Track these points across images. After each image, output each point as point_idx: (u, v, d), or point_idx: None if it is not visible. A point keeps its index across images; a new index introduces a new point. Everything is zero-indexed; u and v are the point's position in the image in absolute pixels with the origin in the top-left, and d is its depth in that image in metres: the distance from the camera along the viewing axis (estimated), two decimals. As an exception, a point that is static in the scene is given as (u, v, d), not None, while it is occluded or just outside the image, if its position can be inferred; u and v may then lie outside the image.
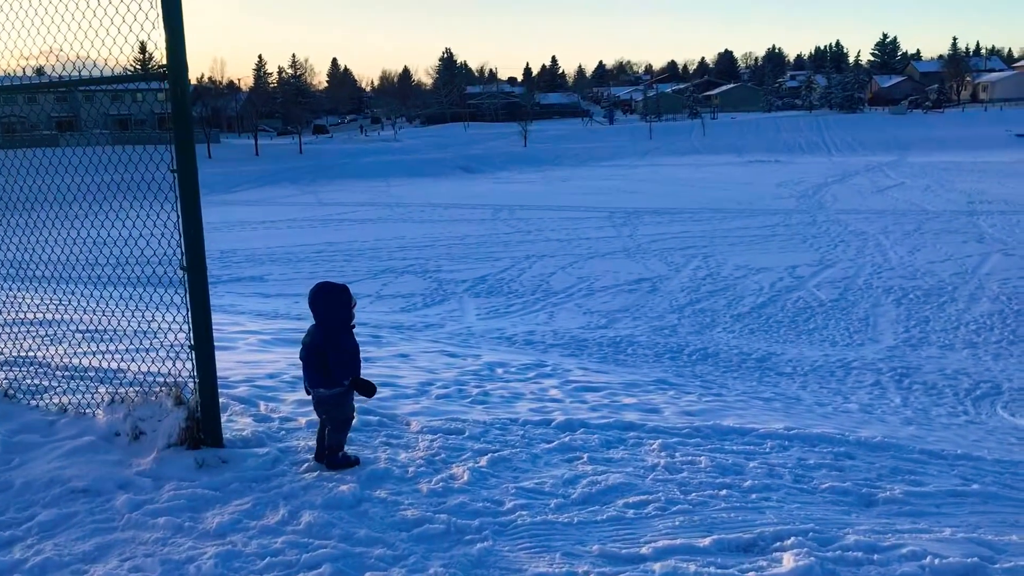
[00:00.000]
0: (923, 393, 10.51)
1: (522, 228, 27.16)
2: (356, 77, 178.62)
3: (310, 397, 4.73)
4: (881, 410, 9.07)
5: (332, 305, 4.56)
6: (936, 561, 3.39)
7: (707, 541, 3.74)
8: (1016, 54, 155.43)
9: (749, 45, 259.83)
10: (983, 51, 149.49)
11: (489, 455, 4.85)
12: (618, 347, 12.73)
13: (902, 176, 41.81)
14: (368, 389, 4.59)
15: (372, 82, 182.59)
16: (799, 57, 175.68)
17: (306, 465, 4.67)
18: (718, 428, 5.60)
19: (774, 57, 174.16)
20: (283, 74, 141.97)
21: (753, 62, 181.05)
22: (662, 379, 8.75)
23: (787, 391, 9.86)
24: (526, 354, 10.83)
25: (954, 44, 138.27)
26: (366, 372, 4.72)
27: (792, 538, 3.67)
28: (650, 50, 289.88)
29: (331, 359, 4.49)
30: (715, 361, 11.99)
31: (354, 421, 4.83)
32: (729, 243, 22.69)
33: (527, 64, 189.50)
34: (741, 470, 4.70)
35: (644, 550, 3.68)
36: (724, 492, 4.30)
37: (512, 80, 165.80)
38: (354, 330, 4.63)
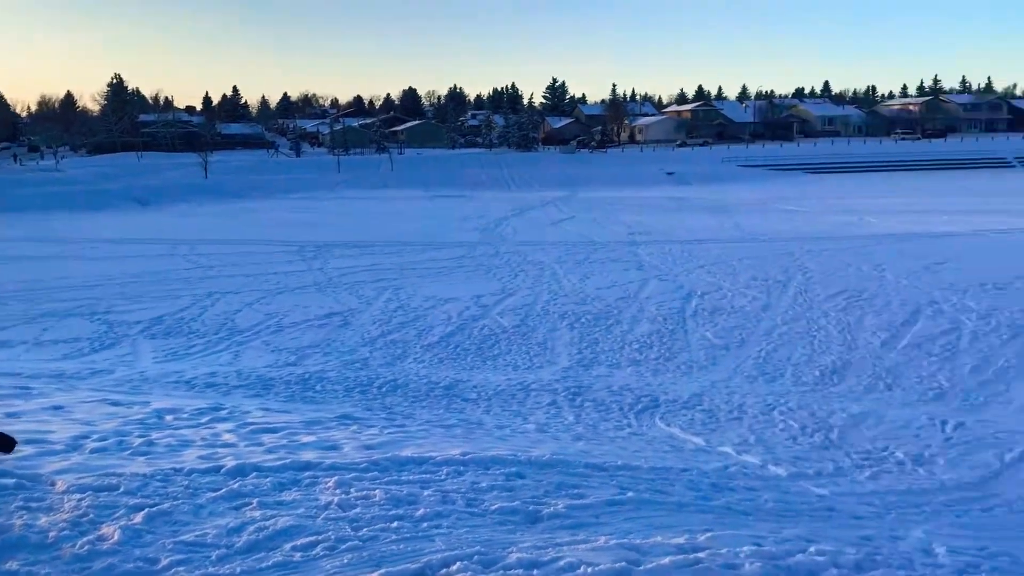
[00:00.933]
0: (593, 409, 11.30)
1: (204, 264, 25.78)
2: (9, 101, 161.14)
3: None
4: (555, 428, 9.62)
5: None
6: (589, 570, 3.59)
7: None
8: (664, 101, 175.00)
9: (432, 84, 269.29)
10: (638, 97, 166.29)
11: (146, 510, 4.45)
12: (307, 384, 12.43)
13: (573, 210, 45.14)
14: (7, 444, 4.06)
15: (29, 107, 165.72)
16: (479, 97, 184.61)
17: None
18: (396, 459, 5.59)
19: (456, 96, 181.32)
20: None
21: (436, 100, 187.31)
22: (347, 414, 8.63)
23: (471, 416, 10.16)
24: (204, 398, 10.21)
25: (614, 90, 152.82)
26: (8, 428, 4.17)
27: (458, 563, 3.72)
28: (336, 84, 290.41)
29: None
30: (404, 392, 12.08)
31: None
32: (418, 275, 23.10)
33: (207, 93, 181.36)
34: (415, 500, 4.71)
35: (309, 594, 3.54)
36: (396, 524, 4.29)
37: (191, 109, 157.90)
38: None
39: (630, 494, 5.13)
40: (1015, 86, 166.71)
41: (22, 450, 5.73)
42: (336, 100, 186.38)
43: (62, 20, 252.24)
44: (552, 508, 4.67)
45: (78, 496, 4.67)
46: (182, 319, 17.56)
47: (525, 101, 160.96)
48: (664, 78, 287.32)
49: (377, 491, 4.82)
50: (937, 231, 30.36)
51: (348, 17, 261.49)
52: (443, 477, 5.25)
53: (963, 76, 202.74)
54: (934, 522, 6.84)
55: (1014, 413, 11.44)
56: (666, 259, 25.05)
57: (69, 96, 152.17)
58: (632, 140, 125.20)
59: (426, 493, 4.84)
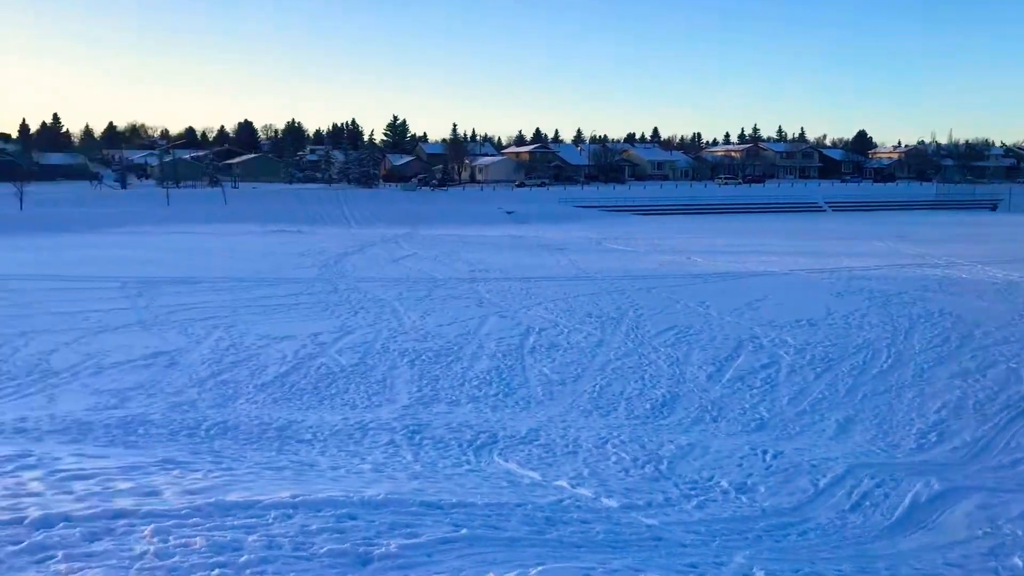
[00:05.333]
0: (432, 447, 11.24)
1: (16, 301, 23.99)
2: None
3: None
4: (392, 468, 9.49)
5: None
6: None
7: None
8: (504, 142, 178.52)
9: (269, 117, 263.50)
10: (478, 137, 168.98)
11: (-68, 571, 4.06)
12: (128, 428, 11.76)
13: (414, 247, 45.14)
14: None
15: None
16: (318, 132, 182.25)
17: None
18: (221, 504, 5.35)
19: (294, 130, 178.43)
20: None
21: (274, 134, 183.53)
22: (169, 458, 8.19)
23: (305, 458, 9.88)
24: (11, 444, 9.45)
25: (454, 130, 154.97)
26: None
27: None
28: (167, 115, 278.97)
29: None
30: (235, 434, 11.63)
31: None
32: (252, 312, 22.38)
33: (23, 120, 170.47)
34: (240, 546, 4.51)
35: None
36: (217, 572, 4.10)
37: (5, 136, 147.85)
38: None
39: (464, 531, 5.11)
40: (824, 136, 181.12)
41: None
42: (167, 131, 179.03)
43: None
44: (384, 548, 4.59)
45: None
46: (-9, 361, 16.26)
47: (366, 137, 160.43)
48: (503, 119, 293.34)
49: (198, 538, 4.58)
50: (757, 270, 32.29)
51: (181, 47, 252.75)
52: (270, 521, 5.05)
53: (779, 126, 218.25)
54: (755, 547, 7.18)
55: (827, 441, 12.23)
56: (506, 296, 25.40)
57: None
58: (473, 179, 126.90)
59: (251, 539, 4.64)
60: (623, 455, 11.05)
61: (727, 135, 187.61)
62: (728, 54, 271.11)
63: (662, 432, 12.35)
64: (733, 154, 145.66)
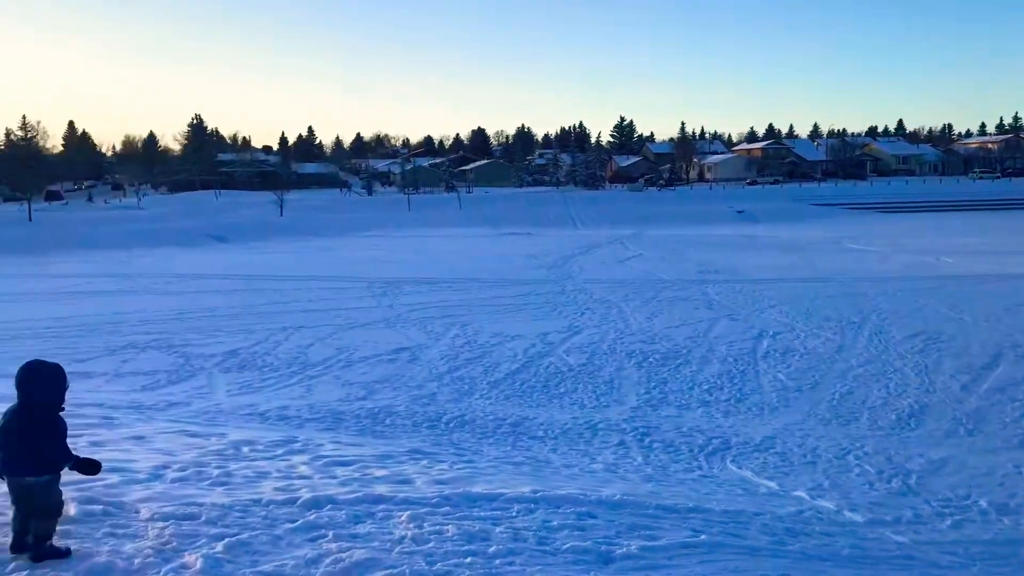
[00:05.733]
0: (662, 451, 11.16)
1: (278, 299, 26.34)
2: (96, 142, 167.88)
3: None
4: (624, 469, 9.52)
5: (47, 385, 4.19)
6: (666, 611, 3.56)
7: (449, 612, 3.71)
8: (735, 139, 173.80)
9: (501, 123, 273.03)
10: (707, 135, 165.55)
11: (226, 540, 4.56)
12: (376, 418, 12.54)
13: (640, 248, 44.98)
14: (94, 467, 4.24)
15: (114, 147, 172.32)
16: (547, 136, 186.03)
17: (13, 564, 4.16)
18: (467, 495, 5.62)
19: (524, 136, 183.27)
20: (11, 136, 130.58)
21: (505, 140, 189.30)
22: (416, 449, 8.70)
23: (538, 454, 10.12)
24: (278, 430, 10.40)
25: (683, 129, 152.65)
26: (94, 456, 4.34)
27: (532, 600, 3.72)
28: (407, 125, 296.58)
29: (46, 444, 4.10)
30: (471, 428, 12.10)
31: (74, 511, 4.40)
32: (485, 312, 23.21)
33: (283, 133, 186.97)
34: (488, 536, 4.73)
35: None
36: (469, 560, 4.31)
37: (267, 149, 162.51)
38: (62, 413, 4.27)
39: (703, 537, 5.07)
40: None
41: (107, 478, 5.94)
42: (407, 140, 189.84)
43: (146, 62, 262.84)
44: (624, 549, 4.64)
45: (161, 524, 4.81)
46: (256, 353, 17.92)
47: (593, 140, 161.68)
48: (734, 116, 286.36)
49: (450, 526, 4.86)
50: (1018, 272, 29.41)
51: (420, 60, 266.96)
52: (514, 514, 5.25)
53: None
54: (1021, 574, 6.58)
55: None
56: (736, 298, 24.73)
57: (151, 136, 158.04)
58: (701, 178, 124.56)
59: (498, 530, 4.85)
60: (867, 467, 10.46)
61: (982, 126, 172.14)
62: (990, 38, 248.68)
63: (910, 445, 11.56)
64: (990, 146, 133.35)
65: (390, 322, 21.90)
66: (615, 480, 7.98)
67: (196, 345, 18.69)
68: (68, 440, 4.32)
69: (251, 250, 49.72)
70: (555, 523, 5.09)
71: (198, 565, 4.20)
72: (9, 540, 4.33)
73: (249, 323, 21.65)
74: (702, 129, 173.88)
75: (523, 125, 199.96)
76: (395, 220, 76.58)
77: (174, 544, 4.52)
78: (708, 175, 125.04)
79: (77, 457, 4.26)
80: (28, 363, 4.29)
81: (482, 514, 5.21)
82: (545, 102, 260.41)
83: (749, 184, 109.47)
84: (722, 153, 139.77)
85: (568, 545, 4.66)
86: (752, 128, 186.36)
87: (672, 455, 10.92)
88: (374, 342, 19.07)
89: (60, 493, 4.30)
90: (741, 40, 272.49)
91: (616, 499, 5.85)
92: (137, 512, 5.06)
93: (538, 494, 5.70)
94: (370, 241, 54.64)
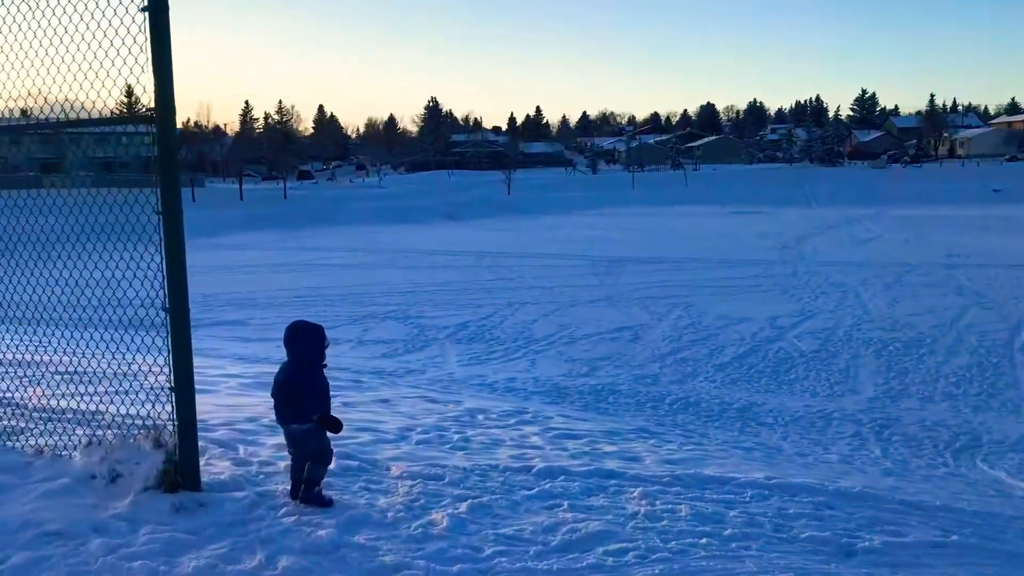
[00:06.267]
0: (903, 444, 10.53)
1: (505, 275, 27.21)
2: (342, 124, 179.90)
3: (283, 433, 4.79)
4: (861, 461, 9.09)
5: (306, 342, 4.66)
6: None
7: (687, 590, 3.74)
8: (992, 111, 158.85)
9: (731, 98, 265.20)
10: (960, 108, 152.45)
11: (468, 501, 4.83)
12: (599, 395, 12.70)
13: (881, 229, 42.33)
14: (334, 425, 4.64)
15: (358, 129, 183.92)
16: (780, 111, 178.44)
17: (284, 509, 4.63)
18: (699, 477, 5.60)
19: (755, 110, 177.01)
20: (269, 120, 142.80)
21: (735, 115, 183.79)
22: (643, 427, 8.75)
23: (768, 441, 9.87)
24: (507, 401, 10.80)
25: (932, 101, 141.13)
26: (346, 417, 4.76)
27: (771, 587, 3.67)
28: (633, 101, 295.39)
29: (303, 394, 4.55)
30: (696, 411, 11.98)
31: (332, 462, 4.83)
32: (711, 292, 22.80)
33: (511, 114, 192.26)
34: (721, 519, 4.70)
35: (623, 599, 3.68)
36: (704, 540, 4.30)
37: (496, 129, 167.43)
38: (326, 370, 4.69)
39: (954, 537, 4.76)
40: None
41: (360, 436, 6.45)
42: (633, 117, 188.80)
43: (388, 47, 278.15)
44: (867, 543, 4.45)
45: (410, 482, 5.16)
46: (484, 326, 18.64)
47: (831, 114, 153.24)
48: (991, 86, 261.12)
49: (683, 506, 4.87)
50: None
51: (647, 35, 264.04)
52: (748, 499, 5.18)
53: None
54: None
55: None
56: (991, 285, 22.74)
57: (392, 119, 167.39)
58: (951, 154, 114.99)
59: (732, 514, 4.81)
60: None
61: None
62: None
63: None
64: None
65: (612, 301, 22.01)
66: (852, 472, 7.64)
67: (430, 317, 19.73)
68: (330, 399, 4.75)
69: (480, 228, 51.55)
70: (791, 511, 4.97)
71: (444, 523, 4.48)
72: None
73: (478, 298, 22.54)
74: (953, 101, 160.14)
75: (754, 99, 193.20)
76: (619, 198, 76.57)
77: (422, 502, 4.85)
78: (960, 151, 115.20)
79: (324, 413, 4.64)
80: (293, 322, 4.78)
81: (715, 496, 5.19)
82: (779, 75, 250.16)
83: (1008, 160, 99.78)
84: (977, 127, 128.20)
85: (806, 534, 4.54)
86: (1013, 99, 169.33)
87: (914, 450, 10.27)
88: (596, 320, 19.26)
89: (326, 443, 4.73)
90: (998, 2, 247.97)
91: (856, 491, 5.61)
92: (388, 470, 5.46)
93: (772, 481, 5.58)
94: (594, 219, 55.02)
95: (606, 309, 20.79)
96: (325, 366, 4.73)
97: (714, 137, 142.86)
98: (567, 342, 17.13)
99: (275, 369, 4.87)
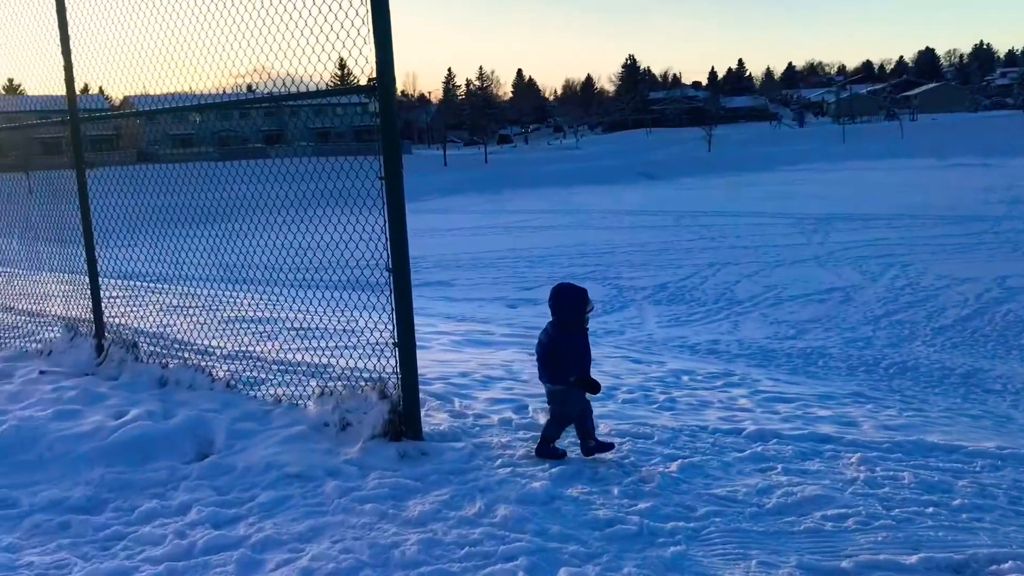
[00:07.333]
0: None
1: (705, 235, 26.68)
2: (540, 87, 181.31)
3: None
4: (1108, 434, 8.28)
5: (568, 305, 4.76)
6: None
7: (914, 559, 3.59)
8: None
9: (953, 41, 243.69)
10: None
11: (679, 461, 4.84)
12: (808, 359, 12.25)
13: None
14: (593, 387, 4.76)
15: (555, 91, 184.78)
16: (1011, 52, 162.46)
17: (500, 460, 4.83)
18: (922, 444, 5.31)
19: (982, 53, 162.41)
20: (470, 86, 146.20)
21: (958, 60, 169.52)
22: (858, 392, 8.37)
23: (996, 409, 9.18)
24: (711, 363, 10.63)
25: None
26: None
27: (1010, 562, 3.45)
28: (843, 50, 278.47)
29: (561, 355, 4.70)
30: (914, 376, 11.31)
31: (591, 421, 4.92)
32: (930, 251, 21.36)
33: (712, 67, 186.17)
34: (949, 488, 4.45)
35: (845, 564, 3.58)
36: (931, 510, 4.10)
37: (696, 84, 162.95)
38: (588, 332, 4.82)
39: None
40: None
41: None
42: (843, 67, 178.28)
43: (583, 7, 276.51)
44: (1118, 524, 4.09)
45: (619, 440, 5.23)
46: (684, 287, 18.40)
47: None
48: None
49: (905, 473, 4.65)
50: None
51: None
52: (978, 469, 4.87)
53: None
54: None
55: None
56: None
57: (588, 79, 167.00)
58: None
59: (960, 483, 4.54)
60: None
61: None
62: None
63: None
64: None
65: (821, 260, 21.10)
66: (1097, 446, 6.99)
67: (627, 278, 19.70)
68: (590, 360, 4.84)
69: (679, 186, 50.65)
70: (1029, 484, 4.64)
71: (656, 481, 4.52)
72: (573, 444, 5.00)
73: (677, 258, 22.25)
74: None
75: (981, 41, 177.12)
76: (827, 152, 72.76)
77: (632, 459, 4.91)
78: None
79: (581, 374, 4.75)
80: (557, 284, 4.91)
81: (940, 465, 4.90)
82: (1009, 10, 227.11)
83: None
84: None
85: (1049, 511, 4.23)
86: None
87: None
88: (804, 280, 18.56)
89: (576, 407, 4.84)
90: None
91: (1104, 467, 5.14)
92: (597, 427, 5.55)
93: (1005, 451, 5.20)
94: (800, 175, 52.65)
95: (814, 269, 19.98)
96: (587, 329, 4.83)
97: (934, 84, 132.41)
98: (772, 303, 16.63)
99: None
